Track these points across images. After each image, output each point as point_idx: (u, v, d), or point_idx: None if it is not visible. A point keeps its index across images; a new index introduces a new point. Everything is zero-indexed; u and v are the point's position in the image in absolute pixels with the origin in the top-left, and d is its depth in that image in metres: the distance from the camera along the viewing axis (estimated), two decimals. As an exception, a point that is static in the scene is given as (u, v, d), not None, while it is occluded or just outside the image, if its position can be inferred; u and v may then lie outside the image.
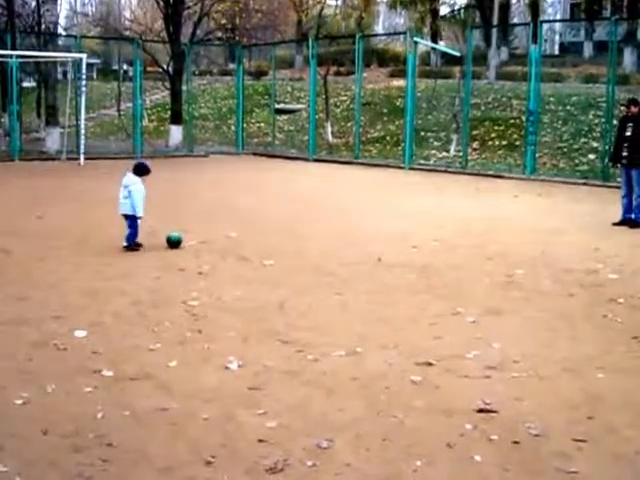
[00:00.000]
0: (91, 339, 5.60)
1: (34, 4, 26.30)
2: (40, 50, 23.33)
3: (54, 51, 23.45)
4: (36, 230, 10.35)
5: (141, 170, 9.18)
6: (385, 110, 28.75)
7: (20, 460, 3.68)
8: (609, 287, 7.51)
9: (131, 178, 9.10)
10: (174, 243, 9.18)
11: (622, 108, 12.03)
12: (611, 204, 13.29)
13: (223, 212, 12.02)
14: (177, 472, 3.59)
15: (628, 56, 28.57)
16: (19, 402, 4.39)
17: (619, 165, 11.91)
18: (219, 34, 30.66)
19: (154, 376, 4.84)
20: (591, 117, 22.42)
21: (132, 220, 9.04)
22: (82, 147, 20.74)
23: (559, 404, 4.49)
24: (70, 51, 24.11)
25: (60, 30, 31.56)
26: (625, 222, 11.28)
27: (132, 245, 9.03)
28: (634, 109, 11.51)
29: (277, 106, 29.31)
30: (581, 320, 6.35)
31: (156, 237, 9.66)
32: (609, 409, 4.42)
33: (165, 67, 27.19)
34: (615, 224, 11.29)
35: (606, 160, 17.30)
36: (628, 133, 11.42)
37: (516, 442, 3.95)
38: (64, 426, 4.06)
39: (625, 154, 11.45)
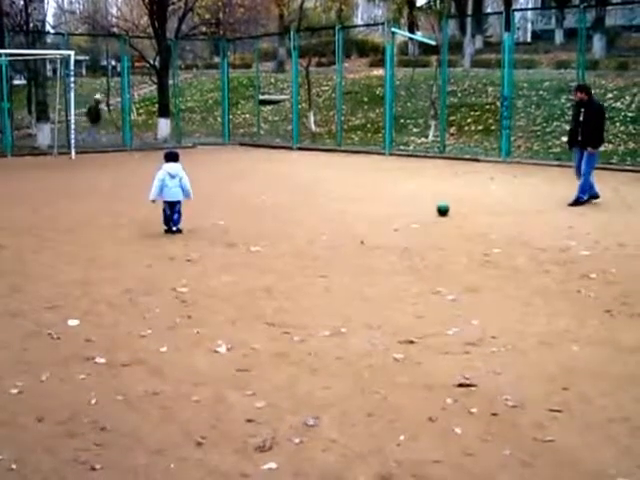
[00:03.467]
0: (84, 327, 5.69)
1: (22, 3, 26.10)
2: (29, 48, 23.27)
3: (43, 49, 23.42)
4: (30, 223, 10.38)
5: (178, 156, 9.75)
6: (365, 99, 28.91)
7: (16, 447, 3.75)
8: (582, 263, 7.70)
9: (176, 167, 9.56)
10: (443, 211, 10.35)
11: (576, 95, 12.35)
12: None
13: (211, 201, 12.08)
14: (169, 454, 3.68)
15: (597, 42, 28.88)
16: (14, 391, 4.46)
17: (574, 148, 12.09)
18: (203, 29, 30.59)
19: (146, 361, 4.95)
20: (563, 101, 22.70)
21: (180, 205, 9.56)
22: (73, 142, 20.76)
23: (535, 377, 4.64)
24: (59, 48, 23.98)
25: (48, 28, 31.31)
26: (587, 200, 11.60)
27: (179, 228, 9.51)
28: (580, 95, 11.78)
29: (261, 97, 29.34)
30: (556, 296, 6.51)
31: (148, 227, 9.78)
32: (583, 380, 4.58)
33: (152, 62, 27.18)
34: (570, 204, 11.49)
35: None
36: (581, 118, 11.66)
37: (495, 414, 4.09)
38: (59, 413, 4.14)
39: (580, 138, 11.69)
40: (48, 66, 27.13)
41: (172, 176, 9.47)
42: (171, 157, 9.69)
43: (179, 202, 9.56)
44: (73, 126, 21.08)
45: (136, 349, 5.20)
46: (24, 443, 3.80)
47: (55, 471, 3.53)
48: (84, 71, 45.53)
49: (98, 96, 26.21)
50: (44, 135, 22.88)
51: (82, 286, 6.95)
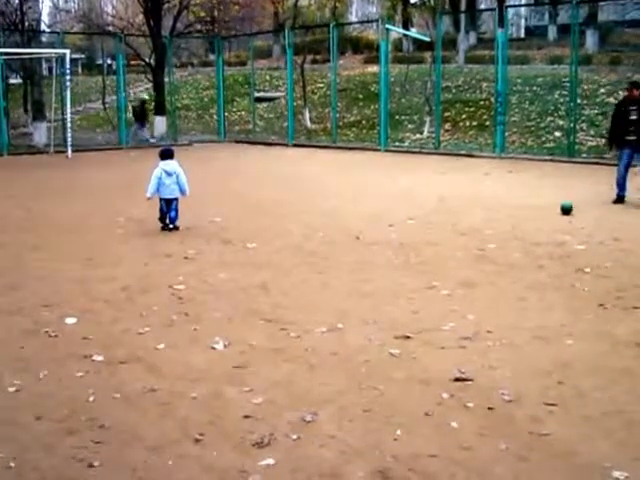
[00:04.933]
0: (82, 325, 5.71)
1: (17, 2, 26.02)
2: (24, 47, 23.24)
3: (38, 48, 23.43)
4: (27, 222, 10.39)
5: (173, 154, 9.74)
6: (360, 95, 28.99)
7: (15, 446, 3.75)
8: (577, 258, 7.75)
9: (172, 164, 9.59)
10: (567, 210, 10.17)
11: (623, 92, 11.74)
12: (577, 178, 13.61)
13: (207, 198, 12.08)
14: (167, 450, 3.69)
15: (590, 38, 29.00)
16: (12, 389, 4.47)
17: (620, 148, 11.49)
18: (198, 27, 30.55)
19: (143, 359, 4.96)
20: (556, 96, 22.86)
21: (177, 202, 9.57)
22: (69, 140, 20.74)
23: (531, 371, 4.67)
24: (54, 47, 24.00)
25: (43, 27, 31.27)
26: (622, 199, 11.24)
27: (176, 225, 9.54)
28: (636, 92, 11.30)
29: (257, 95, 29.39)
30: (551, 290, 6.55)
31: (145, 224, 9.80)
32: (578, 374, 4.62)
33: (147, 60, 27.19)
34: (615, 202, 11.22)
35: (571, 138, 17.62)
36: (634, 117, 11.18)
37: (491, 408, 4.12)
38: (57, 411, 4.15)
39: (633, 138, 11.19)
40: (44, 65, 27.18)
41: (169, 174, 9.49)
42: (166, 154, 9.70)
43: (176, 199, 9.56)
44: (69, 124, 21.05)
45: (134, 346, 5.21)
46: (22, 441, 3.81)
47: (53, 469, 3.54)
48: (80, 69, 45.48)
49: (145, 96, 26.35)
50: (40, 134, 22.89)
51: (79, 284, 6.96)
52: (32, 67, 23.79)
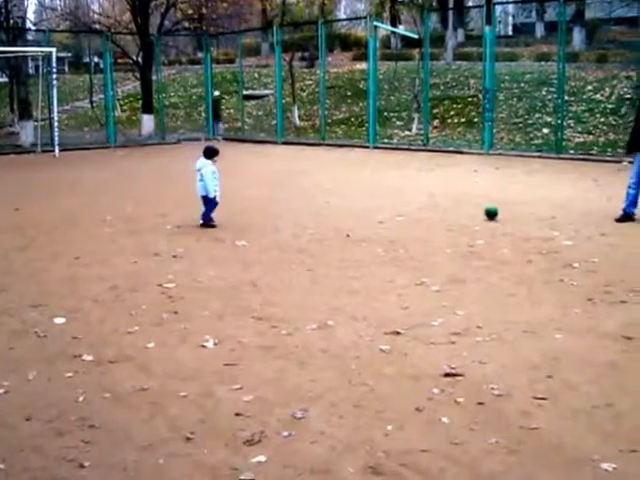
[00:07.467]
0: (71, 325, 5.68)
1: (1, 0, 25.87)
2: (10, 45, 23.04)
3: (24, 46, 23.23)
4: (14, 222, 10.31)
5: (210, 153, 9.77)
6: (349, 93, 29.05)
7: (4, 447, 3.73)
8: (565, 253, 7.79)
9: (202, 162, 9.67)
10: (492, 214, 9.66)
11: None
12: (564, 175, 13.62)
13: (196, 196, 12.06)
14: (158, 449, 3.68)
15: (577, 35, 29.28)
16: (1, 391, 4.45)
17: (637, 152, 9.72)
18: (186, 24, 30.46)
19: (133, 358, 4.95)
20: (544, 93, 23.03)
21: (206, 200, 9.62)
22: (56, 139, 20.65)
23: (520, 365, 4.69)
24: (40, 45, 23.85)
25: (29, 25, 31.07)
26: (628, 217, 9.40)
27: (208, 222, 9.60)
28: None
29: (245, 92, 29.34)
30: (539, 285, 6.59)
31: (133, 223, 9.75)
32: (567, 368, 4.64)
33: (135, 58, 27.08)
34: (618, 220, 9.36)
35: (559, 134, 17.66)
36: None
37: (481, 403, 4.14)
38: (46, 411, 4.13)
39: None
40: (30, 63, 26.96)
41: (197, 171, 9.64)
42: (203, 152, 9.81)
43: (205, 197, 9.64)
44: (56, 123, 20.96)
45: (123, 346, 5.19)
46: (12, 442, 3.79)
47: (44, 470, 3.52)
48: (67, 68, 45.27)
49: (216, 93, 26.31)
50: (27, 133, 22.76)
51: (68, 284, 6.93)
52: (18, 66, 23.66)
